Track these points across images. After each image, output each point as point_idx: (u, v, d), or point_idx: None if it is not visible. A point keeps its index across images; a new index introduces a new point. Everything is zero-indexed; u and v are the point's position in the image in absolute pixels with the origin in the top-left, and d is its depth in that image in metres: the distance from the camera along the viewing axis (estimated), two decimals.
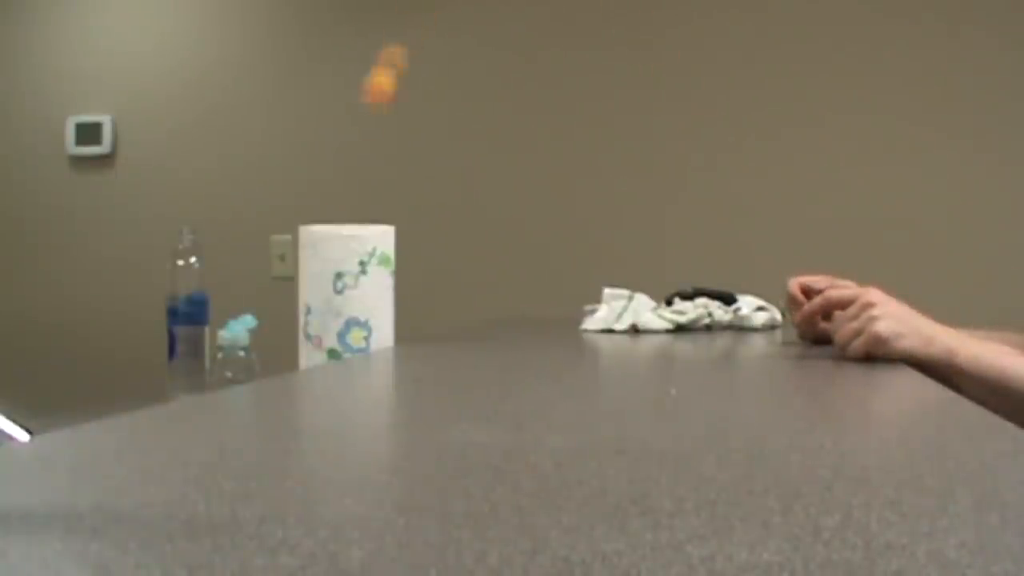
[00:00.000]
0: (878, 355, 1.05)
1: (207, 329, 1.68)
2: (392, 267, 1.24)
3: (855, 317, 1.08)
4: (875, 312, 1.06)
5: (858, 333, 1.06)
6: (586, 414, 0.72)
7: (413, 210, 2.86)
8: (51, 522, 0.40)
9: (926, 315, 1.11)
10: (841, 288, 1.19)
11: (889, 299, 1.09)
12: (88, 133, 3.10)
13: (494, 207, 2.85)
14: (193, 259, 1.70)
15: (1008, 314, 2.51)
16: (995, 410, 0.72)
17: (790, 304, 1.32)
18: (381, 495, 0.46)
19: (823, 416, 0.76)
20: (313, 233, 1.21)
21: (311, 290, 1.21)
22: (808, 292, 1.29)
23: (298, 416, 0.76)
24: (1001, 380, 1.01)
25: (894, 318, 1.05)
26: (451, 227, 2.87)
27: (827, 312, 1.20)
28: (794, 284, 1.31)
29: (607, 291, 1.54)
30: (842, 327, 1.09)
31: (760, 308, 1.55)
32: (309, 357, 1.21)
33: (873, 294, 1.09)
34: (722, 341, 1.37)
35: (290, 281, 2.91)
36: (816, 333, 1.24)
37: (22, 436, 0.82)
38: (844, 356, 1.07)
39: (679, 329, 1.47)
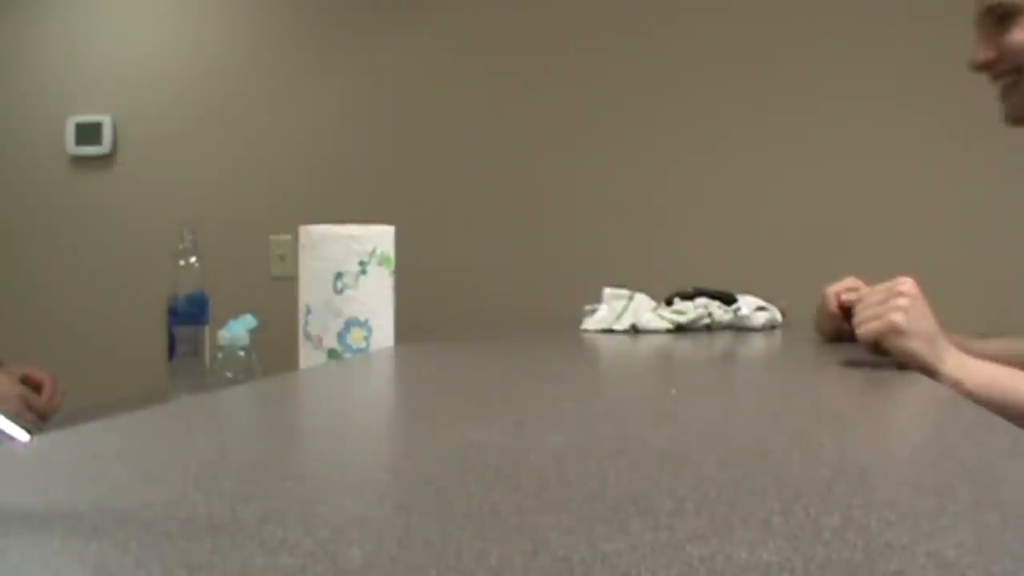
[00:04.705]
0: (886, 345, 1.02)
1: (207, 329, 1.69)
2: (392, 267, 1.24)
3: (881, 303, 1.04)
4: (901, 302, 1.02)
5: (877, 317, 1.03)
6: (586, 414, 0.72)
7: (413, 210, 2.87)
8: (51, 522, 0.40)
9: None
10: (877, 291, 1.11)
11: (920, 297, 1.04)
12: (88, 133, 3.10)
13: (494, 207, 2.85)
14: (193, 259, 1.70)
15: (1010, 314, 2.51)
16: None
17: (824, 315, 1.29)
18: (381, 495, 0.46)
19: (823, 416, 0.75)
20: (313, 233, 1.21)
21: (311, 290, 1.21)
22: (842, 306, 1.26)
23: (298, 416, 0.75)
24: (1012, 407, 0.96)
25: (916, 317, 1.02)
26: (451, 227, 2.87)
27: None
28: (832, 299, 1.28)
29: (607, 291, 1.54)
30: (865, 307, 1.06)
31: (760, 308, 1.55)
32: (309, 357, 1.21)
33: (907, 285, 1.04)
34: (722, 341, 1.37)
35: (290, 281, 2.91)
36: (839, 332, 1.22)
37: (22, 436, 0.82)
38: (858, 336, 1.05)
39: (679, 329, 1.47)
